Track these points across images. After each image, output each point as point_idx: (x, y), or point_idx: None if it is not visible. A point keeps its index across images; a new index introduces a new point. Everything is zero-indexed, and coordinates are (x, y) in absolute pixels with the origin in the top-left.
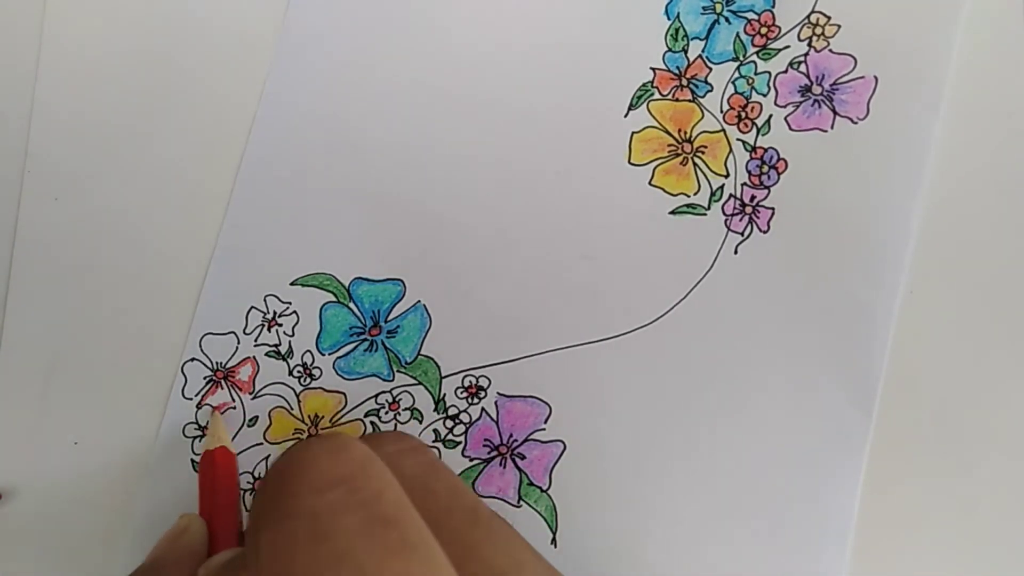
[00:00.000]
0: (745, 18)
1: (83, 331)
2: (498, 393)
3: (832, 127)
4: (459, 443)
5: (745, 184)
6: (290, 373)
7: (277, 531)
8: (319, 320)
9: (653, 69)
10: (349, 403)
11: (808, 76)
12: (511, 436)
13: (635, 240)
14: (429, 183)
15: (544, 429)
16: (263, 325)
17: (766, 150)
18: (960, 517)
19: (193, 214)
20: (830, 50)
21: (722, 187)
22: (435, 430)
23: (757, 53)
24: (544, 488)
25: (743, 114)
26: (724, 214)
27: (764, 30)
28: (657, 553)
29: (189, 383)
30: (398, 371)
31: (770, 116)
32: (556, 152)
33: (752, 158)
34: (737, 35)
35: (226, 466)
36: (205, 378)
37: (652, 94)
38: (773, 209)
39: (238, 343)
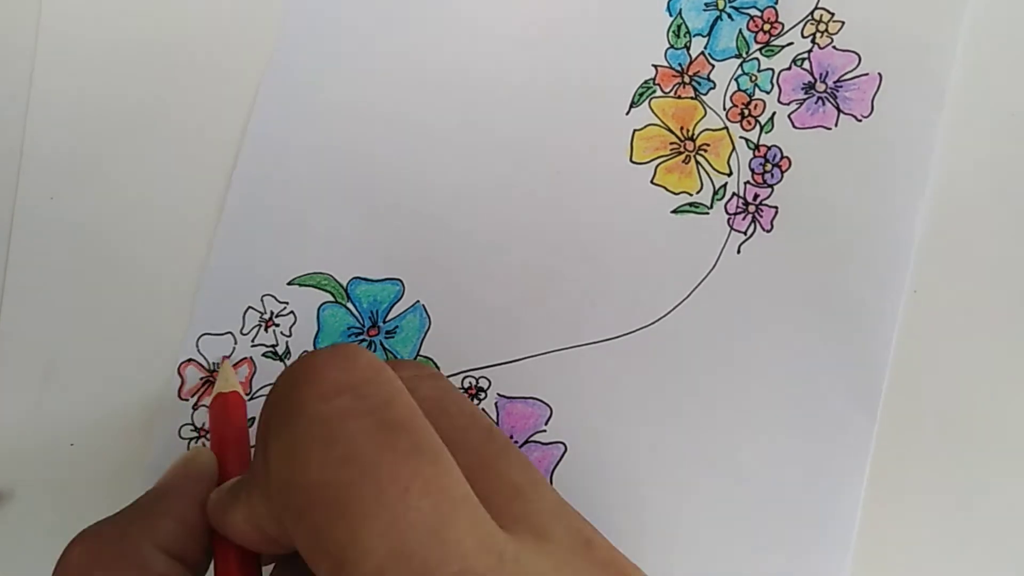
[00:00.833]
0: (748, 15)
1: (79, 332)
2: (498, 394)
3: (836, 125)
4: None
5: (748, 182)
6: None
7: (286, 438)
8: (317, 320)
9: (655, 66)
10: None
11: (812, 73)
12: (511, 437)
13: (637, 239)
14: (428, 182)
15: (545, 431)
16: (260, 325)
17: (769, 148)
18: (964, 519)
19: (190, 214)
20: (834, 47)
21: (725, 185)
22: None
23: (760, 50)
24: None
25: (746, 112)
26: (727, 213)
27: (767, 27)
28: (657, 554)
29: (186, 384)
30: None
31: (773, 113)
32: (557, 150)
33: (755, 156)
34: (740, 32)
35: (237, 407)
36: (202, 379)
37: (654, 91)
38: (776, 208)
39: (235, 343)
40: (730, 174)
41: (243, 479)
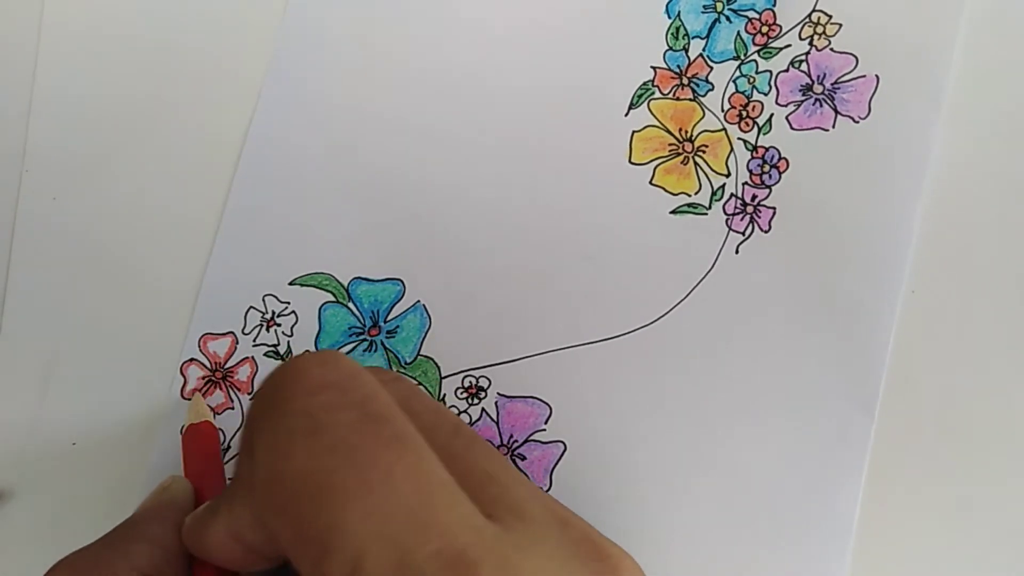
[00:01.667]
0: (746, 17)
1: (81, 332)
2: (498, 393)
3: (833, 126)
4: None
5: (746, 183)
6: None
7: (273, 432)
8: (318, 320)
9: (654, 68)
10: None
11: (809, 75)
12: (511, 437)
13: (636, 240)
14: (429, 182)
15: (544, 430)
16: (262, 325)
17: (767, 149)
18: (963, 518)
19: (191, 214)
20: (831, 49)
21: (723, 186)
22: None
23: (758, 52)
24: (545, 489)
25: (744, 113)
26: (725, 213)
27: (765, 29)
28: (657, 554)
29: (188, 384)
30: (398, 371)
31: (771, 115)
32: (556, 151)
33: (753, 157)
34: (738, 34)
35: (209, 436)
36: (203, 378)
37: (653, 93)
38: (774, 208)
39: (237, 343)
40: (728, 175)
41: (222, 494)
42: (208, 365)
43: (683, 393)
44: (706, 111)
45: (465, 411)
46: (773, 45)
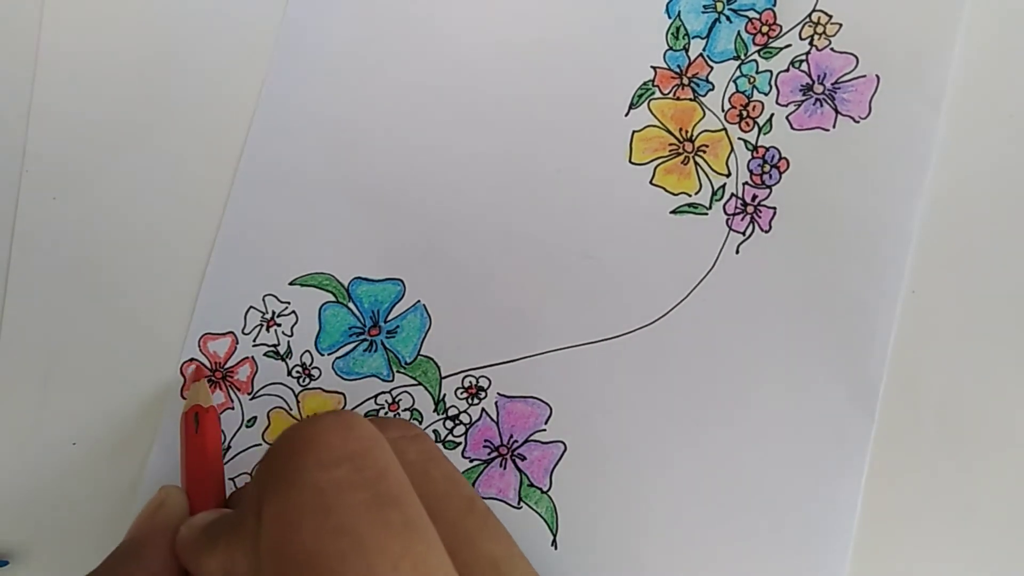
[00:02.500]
0: (746, 16)
1: (81, 332)
2: (498, 393)
3: (834, 126)
4: (459, 444)
5: (747, 183)
6: (289, 373)
7: (282, 502)
8: (318, 320)
9: (654, 68)
10: (348, 404)
11: (810, 75)
12: (511, 437)
13: (636, 240)
14: (429, 182)
15: (544, 430)
16: (262, 325)
17: (767, 149)
18: (962, 517)
19: (191, 213)
20: (832, 49)
21: (723, 186)
22: (435, 431)
23: (758, 52)
24: (544, 489)
25: (744, 113)
26: (725, 213)
27: (765, 29)
28: (657, 554)
29: (188, 383)
30: (398, 371)
31: (772, 115)
32: (557, 151)
33: (754, 157)
34: (738, 34)
35: (211, 425)
36: (203, 378)
37: (653, 93)
38: (775, 209)
39: (237, 343)
40: (729, 175)
41: (222, 523)
42: (208, 365)
43: (683, 393)
44: (706, 111)
45: (465, 411)
46: (773, 45)
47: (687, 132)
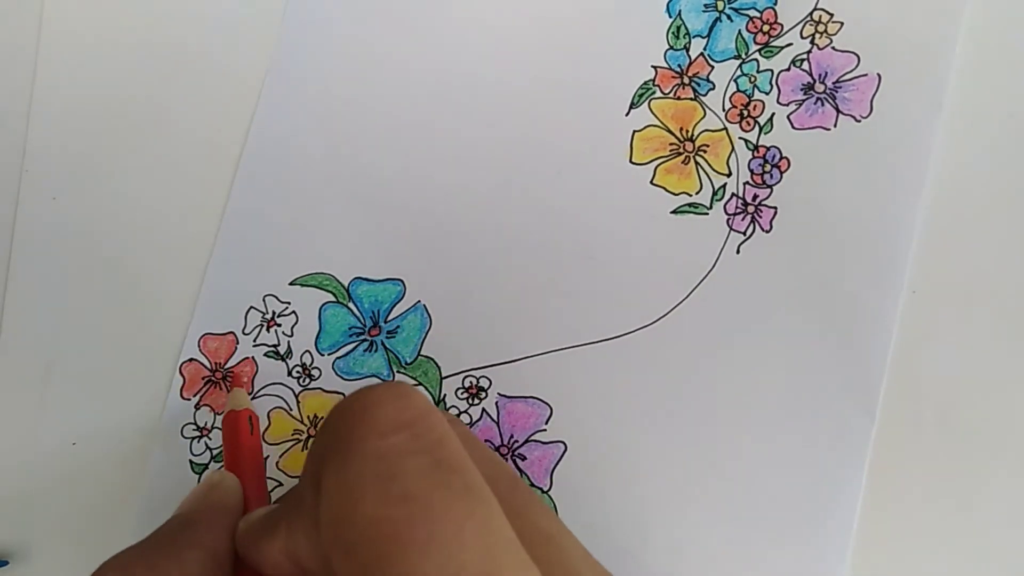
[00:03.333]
0: (747, 15)
1: (81, 331)
2: (499, 394)
3: (835, 125)
4: None
5: (747, 183)
6: (289, 373)
7: (343, 472)
8: (318, 320)
9: (654, 67)
10: None
11: (811, 74)
12: (512, 437)
13: (636, 240)
14: (429, 182)
15: (545, 430)
16: (262, 325)
17: (768, 149)
18: (963, 519)
19: (191, 213)
20: (833, 48)
21: (724, 186)
22: None
23: (759, 51)
24: (545, 489)
25: (745, 112)
26: (726, 213)
27: (766, 28)
28: (657, 554)
29: (188, 383)
30: (398, 371)
31: (772, 114)
32: (557, 151)
33: (754, 157)
34: (739, 33)
35: (254, 432)
36: (204, 378)
37: (653, 92)
38: (776, 208)
39: (237, 343)
40: (729, 175)
41: (280, 509)
42: (208, 365)
43: (684, 393)
44: (707, 110)
45: (465, 411)
46: (774, 44)
47: (688, 132)
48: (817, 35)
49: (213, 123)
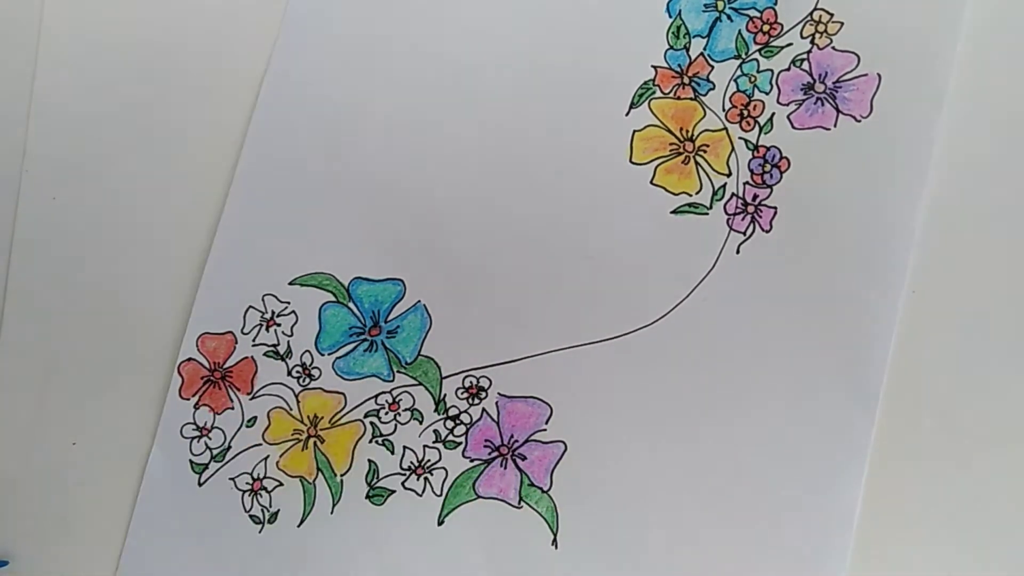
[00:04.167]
0: (747, 15)
1: (81, 331)
2: (499, 393)
3: (835, 125)
4: (460, 444)
5: (747, 183)
6: (289, 373)
7: None
8: (318, 320)
9: (655, 67)
10: (349, 403)
11: (811, 74)
12: (512, 437)
13: (636, 240)
14: (429, 183)
15: (545, 430)
16: (261, 325)
17: (768, 149)
18: (963, 516)
19: (190, 213)
20: (833, 48)
21: (724, 186)
22: (435, 431)
23: (759, 51)
24: (545, 489)
25: (745, 112)
26: (726, 213)
27: (766, 28)
28: (657, 553)
29: (186, 383)
30: (398, 371)
31: (772, 114)
32: (557, 151)
33: (754, 157)
34: (739, 33)
35: None
36: (202, 378)
37: (654, 92)
38: (775, 208)
39: (236, 343)
40: (729, 175)
41: None
42: (207, 365)
43: (684, 393)
44: (707, 110)
45: (466, 411)
46: (774, 44)
47: (688, 132)
48: (817, 35)
49: (212, 123)
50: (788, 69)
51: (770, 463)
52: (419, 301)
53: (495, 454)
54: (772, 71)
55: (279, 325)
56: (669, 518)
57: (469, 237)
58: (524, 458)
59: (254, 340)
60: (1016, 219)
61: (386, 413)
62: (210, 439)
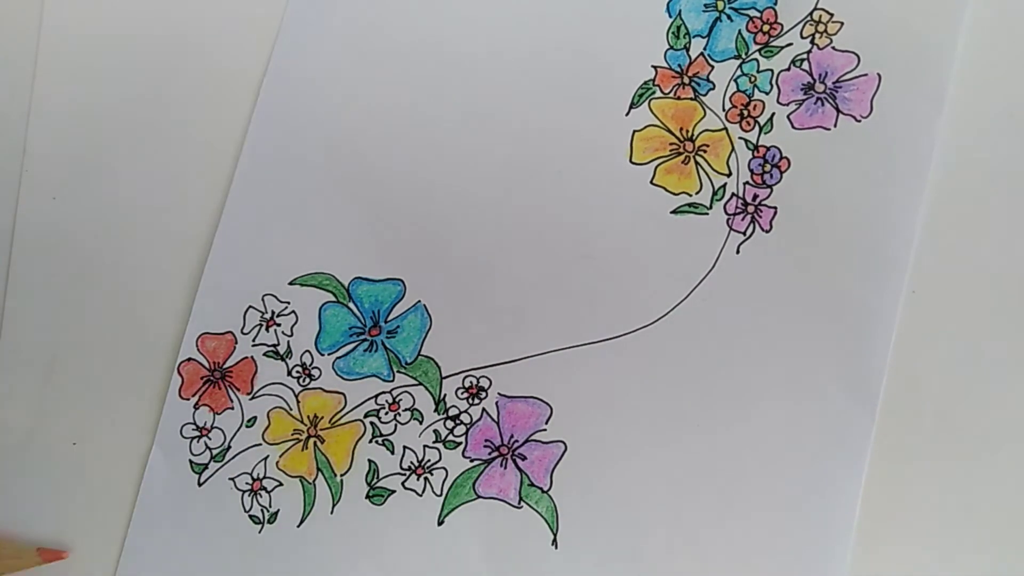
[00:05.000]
0: (747, 15)
1: (81, 331)
2: (499, 393)
3: (835, 125)
4: (460, 444)
5: (747, 183)
6: (289, 373)
7: None
8: (318, 320)
9: (655, 67)
10: (349, 403)
11: (811, 74)
12: (512, 437)
13: (636, 240)
14: (429, 182)
15: (545, 430)
16: (261, 325)
17: (768, 149)
18: (963, 517)
19: (190, 212)
20: (833, 47)
21: (724, 186)
22: (435, 431)
23: (759, 51)
24: (545, 489)
25: (745, 112)
26: (726, 213)
27: (766, 27)
28: (657, 553)
29: (186, 383)
30: (398, 371)
31: (772, 114)
32: (557, 151)
33: (754, 157)
34: (739, 33)
35: None
36: (202, 378)
37: (654, 92)
38: (775, 208)
39: (236, 343)
40: (729, 175)
41: None
42: (207, 365)
43: (684, 393)
44: (707, 110)
45: (466, 411)
46: (774, 44)
47: (688, 132)
48: (817, 35)
49: (212, 122)
50: (788, 69)
51: (770, 463)
52: (419, 301)
53: (495, 454)
54: (772, 71)
55: (279, 325)
56: (669, 518)
57: (469, 237)
58: (524, 458)
59: (254, 340)
60: (1016, 219)
61: (386, 413)
62: (210, 439)
